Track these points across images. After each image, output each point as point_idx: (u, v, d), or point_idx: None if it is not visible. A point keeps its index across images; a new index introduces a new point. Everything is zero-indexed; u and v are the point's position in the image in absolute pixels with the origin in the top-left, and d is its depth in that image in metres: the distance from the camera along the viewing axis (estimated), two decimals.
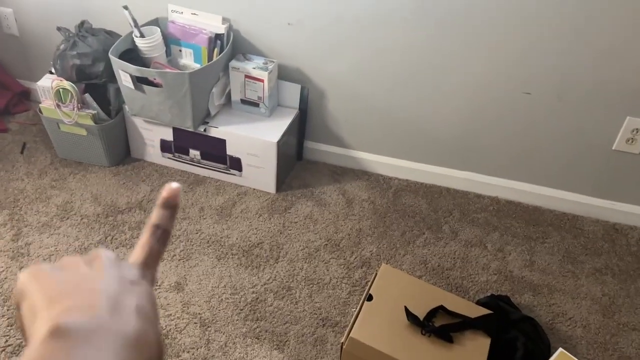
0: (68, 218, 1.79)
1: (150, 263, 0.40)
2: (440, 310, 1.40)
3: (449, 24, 1.69)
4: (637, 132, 1.73)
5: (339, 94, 1.95)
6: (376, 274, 1.48)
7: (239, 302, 1.56)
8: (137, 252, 0.40)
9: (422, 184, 2.04)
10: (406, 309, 1.37)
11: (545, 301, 1.63)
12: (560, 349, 1.37)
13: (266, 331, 1.50)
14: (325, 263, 1.70)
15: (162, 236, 0.41)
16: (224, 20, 1.86)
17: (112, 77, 1.85)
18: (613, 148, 1.79)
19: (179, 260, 1.67)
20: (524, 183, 1.96)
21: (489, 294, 1.61)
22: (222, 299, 1.57)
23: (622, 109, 1.71)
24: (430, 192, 2.01)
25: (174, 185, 0.42)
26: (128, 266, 0.38)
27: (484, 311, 1.44)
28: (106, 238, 1.73)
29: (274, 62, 1.88)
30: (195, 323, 1.50)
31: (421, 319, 1.37)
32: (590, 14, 1.57)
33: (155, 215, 0.42)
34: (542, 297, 1.64)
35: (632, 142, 1.75)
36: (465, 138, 1.92)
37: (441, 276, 1.69)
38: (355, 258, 1.72)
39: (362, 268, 1.69)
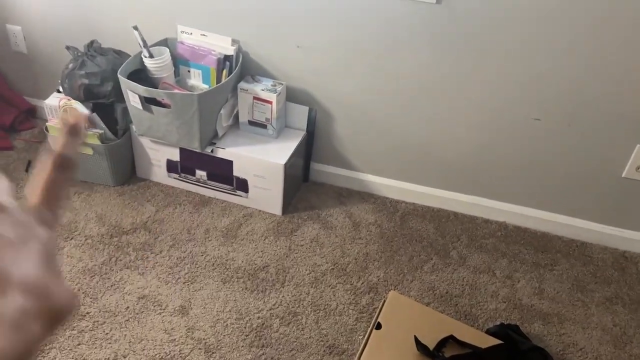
0: (72, 238, 1.77)
1: (51, 199, 0.37)
2: (450, 339, 1.38)
3: (459, 48, 1.69)
4: None
5: (346, 116, 1.95)
6: (384, 301, 1.46)
7: (245, 327, 1.54)
8: (36, 189, 0.37)
9: (429, 208, 2.02)
10: (416, 339, 1.35)
11: (556, 331, 1.60)
12: None
13: (272, 358, 1.47)
14: (332, 288, 1.67)
15: (66, 166, 0.38)
16: (233, 41, 1.86)
17: (119, 96, 1.84)
18: (623, 175, 1.78)
19: (184, 283, 1.65)
20: (532, 209, 1.95)
21: (498, 323, 1.59)
22: (227, 324, 1.54)
23: (633, 136, 1.70)
24: (438, 217, 1.99)
25: (85, 112, 0.42)
26: (19, 212, 0.34)
27: (494, 341, 1.41)
28: (110, 259, 1.70)
29: (282, 84, 1.87)
30: (200, 349, 1.47)
31: (431, 348, 1.35)
32: (601, 43, 1.57)
33: (59, 143, 0.39)
34: (552, 326, 1.61)
35: None
36: (474, 162, 1.91)
37: (450, 303, 1.66)
38: (362, 283, 1.70)
39: (369, 294, 1.67)
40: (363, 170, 2.06)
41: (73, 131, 0.39)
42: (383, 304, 1.45)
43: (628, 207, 1.85)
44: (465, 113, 1.81)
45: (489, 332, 1.53)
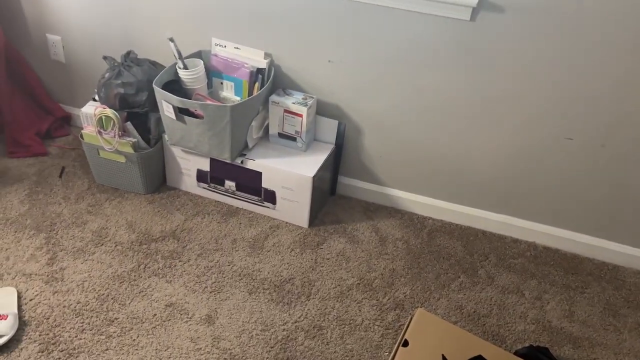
0: (102, 244, 1.80)
1: None
2: None
3: (491, 65, 1.68)
4: None
5: (375, 130, 1.95)
6: (411, 318, 1.44)
7: (270, 339, 1.53)
8: None
9: (457, 225, 2.01)
10: (444, 358, 1.33)
11: (586, 355, 1.56)
12: None
13: None
14: (358, 303, 1.67)
15: None
16: (266, 55, 1.88)
17: (153, 106, 1.88)
18: None
19: (211, 292, 1.66)
20: (562, 229, 1.91)
21: (527, 345, 1.56)
22: (252, 335, 1.54)
23: None
24: (466, 234, 1.97)
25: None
26: None
27: None
28: (139, 266, 1.73)
29: (313, 97, 1.89)
30: (225, 359, 1.47)
31: None
32: (636, 62, 1.54)
33: None
34: (583, 350, 1.58)
35: None
36: (504, 180, 1.89)
37: (477, 323, 1.64)
38: (389, 299, 1.68)
39: (395, 310, 1.65)
40: (391, 185, 2.05)
41: None
42: (410, 321, 1.43)
43: None
44: (497, 131, 1.80)
45: (518, 353, 1.50)
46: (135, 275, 1.69)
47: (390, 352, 1.51)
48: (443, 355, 1.34)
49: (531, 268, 1.85)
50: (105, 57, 1.92)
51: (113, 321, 1.55)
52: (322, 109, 1.96)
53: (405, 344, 1.37)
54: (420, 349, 1.36)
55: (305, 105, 1.84)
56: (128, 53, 1.91)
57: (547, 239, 1.93)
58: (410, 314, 1.63)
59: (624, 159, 1.71)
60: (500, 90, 1.72)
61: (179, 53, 1.83)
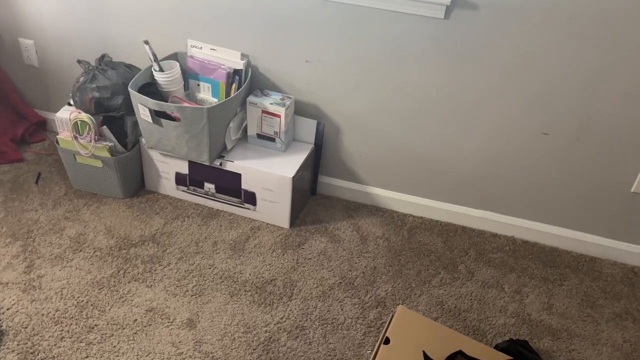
0: (81, 250, 1.78)
1: None
2: (459, 355, 1.37)
3: (467, 62, 1.70)
4: None
5: (354, 129, 1.95)
6: (393, 315, 1.45)
7: (252, 341, 1.53)
8: None
9: (437, 222, 2.02)
10: (425, 354, 1.34)
11: (565, 347, 1.59)
12: None
13: None
14: (340, 302, 1.67)
15: None
16: (243, 56, 1.88)
17: (130, 110, 1.86)
18: (632, 190, 1.77)
19: (192, 296, 1.65)
20: (540, 223, 1.94)
21: (507, 339, 1.57)
22: (234, 338, 1.54)
23: None
24: (446, 231, 1.99)
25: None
26: None
27: (503, 357, 1.40)
28: (118, 271, 1.71)
29: (291, 97, 1.88)
30: None
31: None
32: (610, 58, 1.57)
33: None
34: (562, 342, 1.60)
35: None
36: (482, 176, 1.91)
37: (458, 318, 1.65)
38: (370, 297, 1.69)
39: (377, 308, 1.66)
40: (371, 184, 2.06)
41: None
42: (391, 319, 1.44)
43: (637, 222, 1.83)
44: (474, 127, 1.82)
45: (498, 347, 1.52)
46: (114, 281, 1.68)
47: (372, 350, 1.52)
48: (424, 352, 1.35)
49: (510, 262, 1.87)
50: (79, 61, 1.89)
51: (93, 328, 1.53)
52: (300, 109, 1.96)
53: (387, 341, 1.38)
54: (402, 346, 1.37)
55: (283, 105, 1.84)
56: (102, 56, 1.89)
57: (525, 232, 1.96)
58: (391, 311, 1.64)
59: (597, 152, 1.74)
60: (476, 88, 1.74)
61: (155, 55, 1.82)
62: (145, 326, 1.55)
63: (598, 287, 1.80)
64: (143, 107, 1.76)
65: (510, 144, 1.81)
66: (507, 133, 1.79)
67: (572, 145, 1.75)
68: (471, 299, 1.72)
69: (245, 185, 1.89)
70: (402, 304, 1.66)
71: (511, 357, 1.41)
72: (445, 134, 1.86)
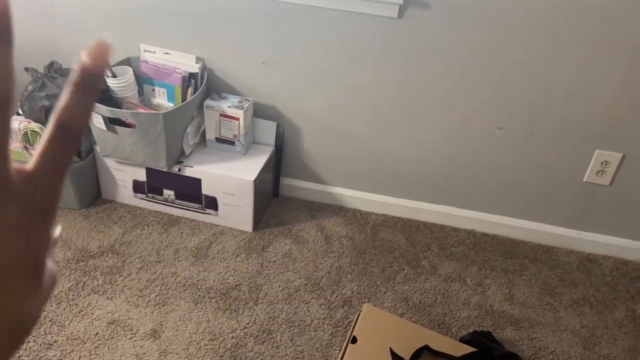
0: None
1: (42, 185, 0.26)
2: (425, 350, 1.39)
3: (422, 60, 1.72)
4: (606, 164, 1.78)
5: (314, 130, 1.95)
6: (359, 314, 1.46)
7: (218, 348, 1.51)
8: (37, 152, 0.26)
9: (399, 219, 2.04)
10: (391, 351, 1.35)
11: (527, 335, 1.63)
12: None
13: None
14: (306, 303, 1.67)
15: (69, 139, 0.26)
16: (198, 59, 1.85)
17: None
18: (584, 180, 1.83)
19: (155, 305, 1.61)
20: (499, 216, 1.98)
21: (471, 330, 1.60)
22: (200, 346, 1.51)
23: (592, 142, 1.76)
24: (408, 227, 2.01)
25: (103, 39, 0.26)
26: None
27: (468, 349, 1.43)
28: (77, 284, 1.66)
29: (249, 100, 1.87)
30: None
31: (406, 359, 1.35)
32: (557, 54, 1.62)
33: (64, 103, 0.25)
34: (524, 331, 1.64)
35: (602, 174, 1.80)
36: (441, 172, 1.94)
37: (423, 313, 1.67)
38: (336, 297, 1.70)
39: (343, 307, 1.66)
40: (333, 184, 2.07)
41: (88, 79, 0.25)
42: (358, 317, 1.45)
43: (590, 211, 1.90)
44: (431, 125, 1.84)
45: (463, 340, 1.54)
46: (73, 295, 1.63)
47: (340, 350, 1.52)
48: (391, 349, 1.36)
49: (471, 255, 1.91)
50: (27, 69, 1.83)
51: (52, 344, 1.48)
52: (259, 112, 1.94)
53: (354, 340, 1.38)
54: (369, 345, 1.38)
55: (242, 108, 1.82)
56: (51, 63, 1.83)
57: (485, 225, 2.00)
58: (358, 310, 1.65)
59: (550, 145, 1.80)
60: (432, 86, 1.76)
61: None
62: (107, 339, 1.50)
63: (556, 276, 1.85)
64: (96, 115, 1.71)
65: (467, 139, 1.85)
66: (463, 129, 1.83)
67: (526, 139, 1.80)
68: (435, 294, 1.74)
69: (205, 190, 1.86)
70: (368, 302, 1.67)
71: (475, 349, 1.44)
72: (403, 132, 1.88)
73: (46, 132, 0.26)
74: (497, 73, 1.70)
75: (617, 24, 1.55)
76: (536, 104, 1.73)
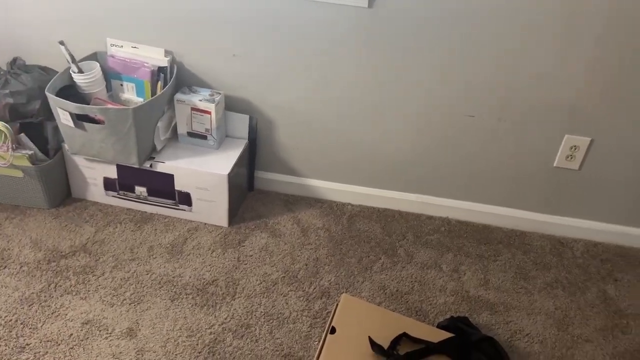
0: (6, 267, 1.67)
1: None
2: (403, 337, 1.40)
3: (393, 50, 1.73)
4: (575, 149, 1.81)
5: (288, 122, 1.94)
6: (337, 305, 1.46)
7: (197, 344, 1.50)
8: None
9: (375, 209, 2.05)
10: (370, 339, 1.36)
11: (503, 319, 1.65)
12: None
13: None
14: (284, 296, 1.66)
15: None
16: (167, 52, 1.82)
17: (49, 115, 1.76)
18: (554, 165, 1.87)
19: (130, 304, 1.59)
20: (473, 202, 2.01)
21: (448, 316, 1.62)
22: (178, 343, 1.50)
23: (561, 127, 1.79)
24: (384, 216, 2.02)
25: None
26: None
27: (446, 335, 1.44)
28: (49, 285, 1.62)
29: (220, 93, 1.85)
30: None
31: (385, 348, 1.36)
32: (525, 40, 1.64)
33: None
34: (499, 315, 1.67)
35: (572, 158, 1.83)
36: (414, 161, 1.95)
37: (400, 301, 1.68)
38: (314, 289, 1.70)
39: (321, 299, 1.66)
40: (308, 176, 2.06)
41: None
42: (336, 308, 1.45)
43: (561, 195, 1.94)
44: (404, 114, 1.85)
45: (440, 326, 1.56)
46: (45, 296, 1.59)
47: (319, 341, 1.52)
48: (370, 337, 1.36)
49: (446, 242, 1.93)
50: None
51: (24, 348, 1.44)
52: (231, 105, 1.92)
53: (333, 331, 1.38)
54: (348, 334, 1.38)
55: (213, 101, 1.80)
56: (14, 60, 1.78)
57: (459, 213, 2.02)
58: (336, 300, 1.65)
59: (520, 131, 1.82)
60: (403, 74, 1.77)
61: (72, 56, 1.73)
62: (82, 340, 1.48)
63: (529, 260, 1.89)
64: (63, 112, 1.67)
65: (440, 128, 1.86)
66: (436, 117, 1.84)
67: (496, 126, 1.82)
68: (412, 281, 1.75)
69: (178, 186, 1.84)
70: (346, 292, 1.67)
71: (453, 334, 1.45)
72: (376, 121, 1.88)
73: None
74: (468, 60, 1.71)
75: (584, 9, 1.57)
76: (505, 91, 1.75)
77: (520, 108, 1.77)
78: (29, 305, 1.56)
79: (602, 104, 1.72)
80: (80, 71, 1.74)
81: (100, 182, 1.89)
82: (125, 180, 1.86)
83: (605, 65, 1.65)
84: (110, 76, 1.83)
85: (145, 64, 1.79)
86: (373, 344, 1.35)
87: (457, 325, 1.54)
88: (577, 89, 1.71)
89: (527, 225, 2.00)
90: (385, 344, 1.36)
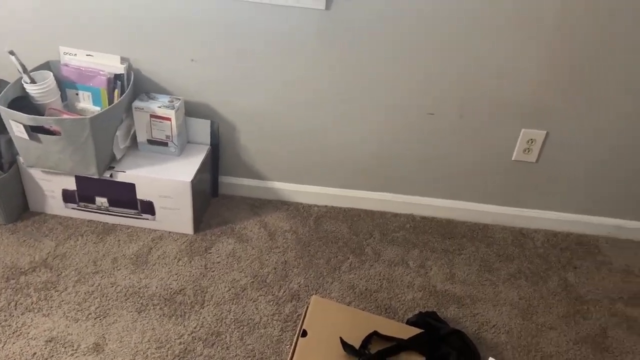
0: None
1: None
2: (374, 336, 1.41)
3: (352, 50, 1.74)
4: (532, 142, 1.86)
5: (250, 126, 1.93)
6: (307, 307, 1.46)
7: (166, 355, 1.47)
8: None
9: (341, 209, 2.06)
10: (341, 340, 1.37)
11: (470, 312, 1.69)
12: (490, 359, 1.42)
13: None
14: (254, 302, 1.65)
15: None
16: (123, 59, 1.78)
17: (1, 127, 1.70)
18: (513, 159, 1.92)
19: (95, 318, 1.55)
20: (436, 198, 2.04)
21: (417, 312, 1.65)
22: (147, 355, 1.47)
23: (517, 122, 1.84)
24: (350, 216, 2.03)
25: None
26: None
27: (415, 331, 1.47)
28: (9, 304, 1.57)
29: (179, 99, 1.82)
30: None
31: (357, 347, 1.37)
32: (479, 36, 1.68)
33: None
34: (466, 308, 1.70)
35: (529, 151, 1.89)
36: (378, 160, 1.97)
37: (370, 299, 1.70)
38: (284, 292, 1.69)
39: (292, 302, 1.66)
40: (273, 179, 2.06)
41: None
42: (306, 310, 1.45)
43: (520, 188, 1.99)
44: (366, 114, 1.87)
45: (410, 322, 1.58)
46: (5, 315, 1.54)
47: (291, 345, 1.52)
48: (341, 338, 1.37)
49: (412, 239, 1.95)
50: None
51: None
52: (192, 110, 1.90)
53: (304, 334, 1.38)
54: (319, 336, 1.38)
55: (173, 107, 1.77)
56: None
57: (423, 209, 2.06)
58: (306, 302, 1.65)
59: (479, 127, 1.86)
60: (362, 74, 1.78)
61: (23, 67, 1.67)
62: (46, 358, 1.43)
63: (493, 252, 1.93)
64: (16, 124, 1.61)
65: (401, 126, 1.88)
66: (397, 116, 1.86)
67: (457, 122, 1.86)
68: (380, 279, 1.77)
69: (140, 195, 1.80)
70: (316, 294, 1.68)
71: (422, 330, 1.48)
72: (338, 121, 1.89)
73: None
74: (427, 59, 1.74)
75: (537, 6, 1.62)
76: (464, 88, 1.78)
77: (479, 104, 1.81)
78: None
79: (556, 98, 1.78)
80: (33, 81, 1.68)
81: (58, 195, 1.84)
82: (84, 192, 1.82)
83: (558, 61, 1.71)
84: (64, 85, 1.78)
85: (101, 72, 1.75)
86: (344, 344, 1.36)
87: (426, 320, 1.57)
88: (533, 85, 1.76)
89: (489, 218, 2.05)
90: (356, 343, 1.37)
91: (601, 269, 1.90)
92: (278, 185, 2.06)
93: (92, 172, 1.73)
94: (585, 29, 1.64)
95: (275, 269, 1.77)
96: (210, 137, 1.93)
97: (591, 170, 1.93)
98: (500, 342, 1.60)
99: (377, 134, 1.91)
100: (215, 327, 1.56)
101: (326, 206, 2.07)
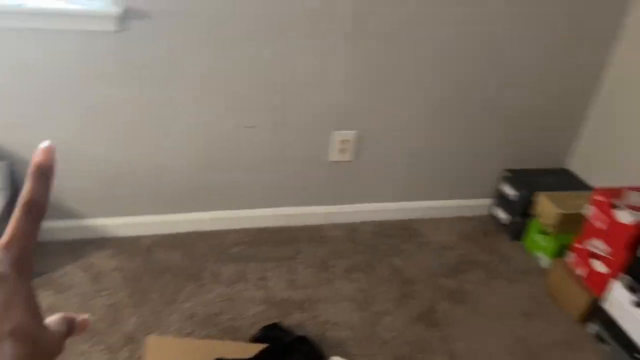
0: None
1: (22, 252, 0.33)
2: None
3: (153, 71, 1.67)
4: (345, 142, 1.96)
5: (57, 161, 1.75)
6: (145, 349, 1.37)
7: None
8: (7, 236, 0.33)
9: (172, 235, 1.97)
10: None
11: (311, 314, 1.73)
12: (332, 358, 1.46)
13: None
14: (84, 355, 1.50)
15: (36, 214, 0.34)
16: None
17: None
18: (330, 160, 2.00)
19: None
20: (266, 208, 2.06)
21: (261, 327, 1.64)
22: None
23: (329, 125, 1.92)
24: (182, 241, 1.96)
25: (46, 144, 0.36)
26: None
27: (260, 347, 1.45)
28: None
29: None
30: None
31: None
32: (290, 50, 1.72)
33: (27, 188, 0.34)
34: (308, 311, 1.74)
35: (344, 151, 1.98)
36: (203, 179, 1.92)
37: (211, 324, 1.65)
38: (117, 338, 1.57)
39: (127, 346, 1.55)
40: (92, 215, 1.89)
41: (41, 172, 0.35)
42: (144, 353, 1.36)
43: (343, 185, 2.09)
44: (179, 133, 1.81)
45: (255, 338, 1.57)
46: None
47: None
48: None
49: (249, 252, 1.94)
50: None
51: None
52: None
53: None
54: None
55: None
56: None
57: (257, 221, 2.06)
58: (143, 344, 1.55)
59: (296, 133, 1.91)
60: (170, 95, 1.72)
61: None
62: None
63: (327, 251, 2.00)
64: None
65: (221, 142, 1.86)
66: (214, 133, 1.83)
67: (274, 132, 1.88)
68: (220, 301, 1.73)
69: None
70: (151, 333, 1.58)
71: (267, 344, 1.47)
72: (153, 146, 1.81)
73: (16, 212, 0.33)
74: (237, 73, 1.73)
75: (332, 17, 1.70)
76: (280, 99, 1.81)
77: (295, 113, 1.86)
78: None
79: (360, 99, 1.89)
80: None
81: None
82: None
83: (359, 67, 1.81)
84: None
85: None
86: None
87: (270, 333, 1.57)
88: (340, 90, 1.85)
89: (321, 218, 2.12)
90: None
91: (422, 248, 2.07)
92: (99, 221, 1.90)
93: None
94: (380, 37, 1.77)
95: (104, 314, 1.64)
96: (11, 181, 1.71)
97: (404, 161, 2.09)
98: (343, 338, 1.66)
99: (197, 153, 1.86)
100: None
101: (155, 235, 1.96)
